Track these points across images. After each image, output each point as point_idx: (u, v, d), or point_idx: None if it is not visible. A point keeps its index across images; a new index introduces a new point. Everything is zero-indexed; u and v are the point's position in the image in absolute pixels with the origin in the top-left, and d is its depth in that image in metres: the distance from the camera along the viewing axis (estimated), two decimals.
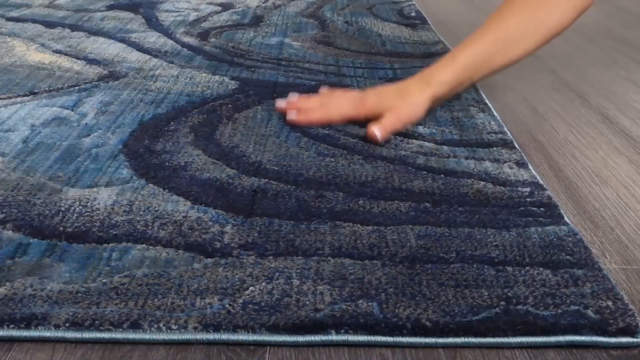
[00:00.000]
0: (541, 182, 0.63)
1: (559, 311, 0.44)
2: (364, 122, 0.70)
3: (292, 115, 0.71)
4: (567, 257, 0.50)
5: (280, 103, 0.74)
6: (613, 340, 0.43)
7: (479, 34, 0.71)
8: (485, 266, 0.49)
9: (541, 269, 0.49)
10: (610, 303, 0.45)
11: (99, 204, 0.56)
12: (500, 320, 0.44)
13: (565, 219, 0.56)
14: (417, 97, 0.69)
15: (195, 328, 0.42)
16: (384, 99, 0.70)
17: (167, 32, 1.13)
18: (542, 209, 0.57)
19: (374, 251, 0.51)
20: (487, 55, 0.70)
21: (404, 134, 0.73)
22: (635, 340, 0.43)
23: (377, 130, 0.67)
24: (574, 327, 0.43)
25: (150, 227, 0.53)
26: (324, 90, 0.78)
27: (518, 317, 0.44)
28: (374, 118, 0.69)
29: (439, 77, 0.70)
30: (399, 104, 0.69)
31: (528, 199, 0.59)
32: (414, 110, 0.69)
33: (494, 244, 0.52)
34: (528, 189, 0.61)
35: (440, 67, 0.71)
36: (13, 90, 0.83)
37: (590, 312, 0.44)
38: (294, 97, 0.75)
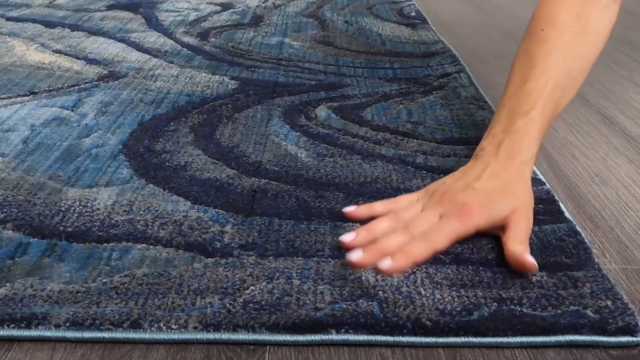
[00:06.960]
0: (540, 176, 0.63)
1: (559, 311, 0.44)
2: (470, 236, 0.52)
3: (383, 265, 0.46)
4: (566, 260, 0.50)
5: (346, 237, 0.50)
6: (612, 339, 0.43)
7: (539, 81, 0.60)
8: (481, 267, 0.49)
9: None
10: (609, 302, 0.45)
11: (99, 203, 0.56)
12: (499, 319, 0.44)
13: (566, 214, 0.56)
14: (524, 184, 0.54)
15: (195, 328, 0.42)
16: (490, 203, 0.52)
17: (167, 32, 1.13)
18: (540, 205, 0.57)
19: None
20: (555, 104, 0.60)
21: (405, 133, 0.73)
22: (634, 339, 0.43)
23: (528, 256, 0.48)
24: (573, 326, 0.43)
25: (150, 227, 0.53)
26: (377, 207, 0.55)
27: (517, 317, 0.44)
28: (488, 229, 0.52)
29: (532, 150, 0.57)
30: (515, 203, 0.52)
31: None
32: (530, 200, 0.54)
33: (490, 246, 0.52)
34: None
35: (524, 135, 0.57)
36: (13, 90, 0.83)
37: (589, 312, 0.44)
38: (352, 234, 0.51)
